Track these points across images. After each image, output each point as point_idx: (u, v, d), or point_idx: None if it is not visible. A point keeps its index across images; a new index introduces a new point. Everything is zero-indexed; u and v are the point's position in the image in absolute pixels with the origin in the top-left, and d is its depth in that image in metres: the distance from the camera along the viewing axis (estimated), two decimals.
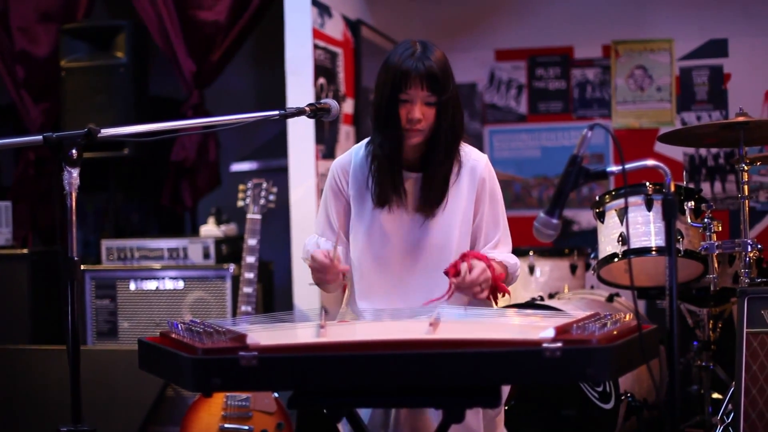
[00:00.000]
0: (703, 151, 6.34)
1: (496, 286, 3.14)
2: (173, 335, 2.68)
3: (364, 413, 3.09)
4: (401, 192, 3.22)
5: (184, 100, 5.85)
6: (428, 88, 3.08)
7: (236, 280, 5.09)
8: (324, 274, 3.13)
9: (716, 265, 4.28)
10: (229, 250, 5.43)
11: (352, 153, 3.34)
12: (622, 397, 4.39)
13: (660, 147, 6.13)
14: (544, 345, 2.30)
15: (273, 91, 5.79)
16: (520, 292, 5.23)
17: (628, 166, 2.56)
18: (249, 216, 4.79)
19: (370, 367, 2.38)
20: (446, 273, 3.10)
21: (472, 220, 3.27)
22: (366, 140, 3.30)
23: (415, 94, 3.09)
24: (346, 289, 3.43)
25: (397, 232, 3.24)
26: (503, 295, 3.22)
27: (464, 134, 3.25)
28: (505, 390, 3.25)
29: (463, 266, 3.07)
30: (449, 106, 3.12)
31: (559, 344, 2.29)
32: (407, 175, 3.23)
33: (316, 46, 5.33)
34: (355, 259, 3.29)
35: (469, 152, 3.29)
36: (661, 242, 4.38)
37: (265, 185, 4.84)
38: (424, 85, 3.08)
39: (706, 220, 4.27)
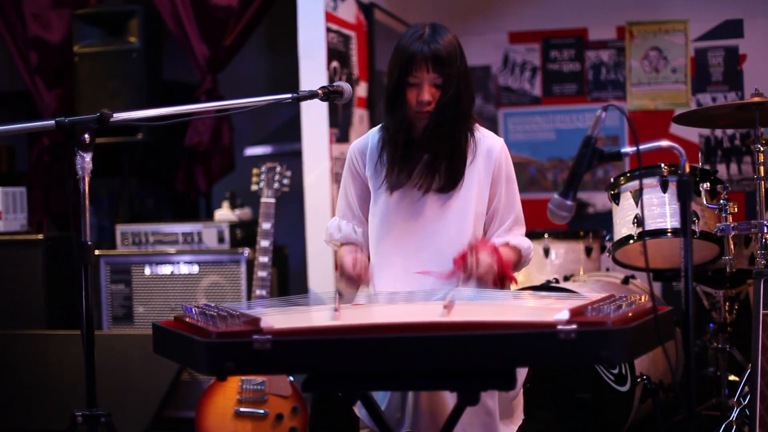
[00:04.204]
0: (718, 133, 6.31)
1: (504, 274, 3.16)
2: (187, 319, 2.68)
3: (381, 396, 3.10)
4: (415, 174, 3.24)
5: (197, 85, 5.85)
6: (435, 70, 3.10)
7: (251, 264, 5.09)
8: (355, 284, 3.20)
9: (732, 246, 4.26)
10: (244, 234, 5.43)
11: (369, 136, 3.36)
12: (638, 380, 4.38)
13: (675, 128, 6.11)
14: (559, 327, 2.29)
15: (286, 75, 5.78)
16: (535, 274, 5.22)
17: (642, 147, 2.55)
18: (263, 200, 4.78)
19: (384, 350, 2.38)
20: (455, 262, 3.15)
21: (487, 202, 3.27)
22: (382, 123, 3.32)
23: (422, 77, 3.10)
24: None
25: (413, 213, 3.26)
26: (510, 283, 3.24)
27: (474, 116, 3.26)
28: (523, 373, 3.25)
29: (471, 260, 3.10)
30: (452, 84, 3.12)
31: (573, 326, 2.28)
32: (421, 156, 3.24)
33: (329, 30, 5.31)
34: (372, 240, 3.31)
35: (485, 135, 3.31)
36: (677, 224, 4.37)
37: (278, 169, 4.83)
38: (430, 67, 3.09)
39: (721, 201, 4.25)
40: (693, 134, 6.28)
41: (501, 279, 3.18)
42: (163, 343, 2.74)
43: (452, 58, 3.11)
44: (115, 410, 3.04)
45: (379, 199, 3.30)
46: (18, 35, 6.05)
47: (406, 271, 3.25)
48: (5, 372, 5.16)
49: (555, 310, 2.40)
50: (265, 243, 4.72)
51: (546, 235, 5.30)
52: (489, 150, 3.27)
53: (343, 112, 5.46)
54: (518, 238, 3.30)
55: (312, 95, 3.22)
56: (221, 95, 5.84)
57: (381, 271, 3.30)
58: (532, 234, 5.26)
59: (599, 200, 6.49)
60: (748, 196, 6.14)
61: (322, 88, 3.25)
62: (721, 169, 6.28)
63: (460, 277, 3.14)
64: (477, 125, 3.29)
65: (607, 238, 4.98)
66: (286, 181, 4.84)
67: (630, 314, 2.44)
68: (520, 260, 3.31)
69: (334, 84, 3.27)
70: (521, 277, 5.03)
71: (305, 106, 5.23)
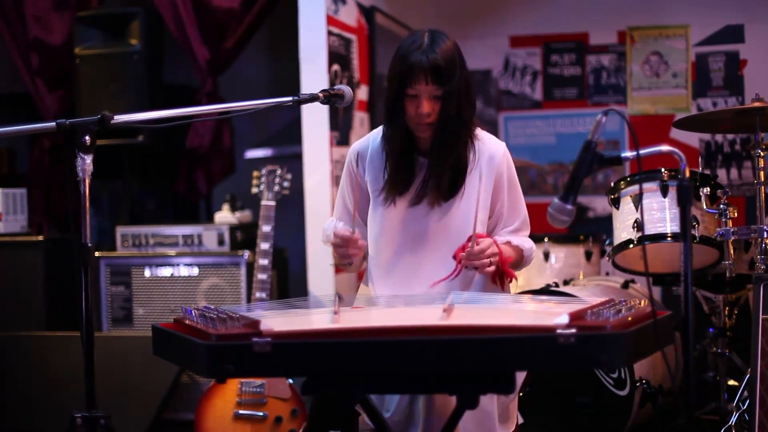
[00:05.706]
0: (719, 138, 6.31)
1: (503, 269, 3.14)
2: (187, 321, 2.68)
3: (388, 399, 3.09)
4: (415, 183, 3.23)
5: (198, 88, 5.85)
6: (434, 82, 3.06)
7: (251, 267, 5.09)
8: (346, 248, 3.14)
9: (732, 251, 4.26)
10: (244, 236, 5.43)
11: (370, 138, 3.35)
12: (637, 384, 4.38)
13: (676, 133, 6.11)
14: (558, 331, 2.29)
15: (287, 78, 5.78)
16: (535, 278, 5.22)
17: (642, 151, 2.55)
18: (263, 202, 4.78)
19: (383, 353, 2.38)
20: (454, 256, 3.13)
21: (489, 208, 3.26)
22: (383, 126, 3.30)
23: (421, 89, 3.07)
24: (362, 276, 3.44)
25: (414, 219, 3.25)
26: (510, 281, 3.23)
27: (475, 121, 3.23)
28: (521, 376, 3.24)
29: (471, 245, 3.07)
30: (453, 96, 3.09)
31: (573, 330, 2.28)
32: (423, 161, 3.23)
33: (330, 33, 5.31)
34: (371, 246, 3.30)
35: (487, 140, 3.29)
36: (677, 228, 4.37)
37: (279, 172, 4.83)
38: (429, 80, 3.06)
39: (721, 206, 4.25)
40: (693, 139, 6.28)
41: (500, 275, 3.17)
42: (163, 345, 2.74)
43: (452, 69, 3.07)
44: (114, 412, 3.04)
45: (378, 207, 3.28)
46: (19, 37, 6.04)
47: (405, 280, 3.25)
48: (5, 373, 5.15)
49: (554, 314, 2.40)
50: (265, 245, 4.72)
51: (546, 239, 5.30)
52: (491, 156, 3.25)
53: (343, 115, 5.46)
54: (521, 238, 3.30)
55: (313, 98, 3.22)
56: (222, 98, 5.84)
57: (380, 281, 3.29)
58: (532, 238, 5.23)
59: (599, 204, 6.50)
60: (748, 200, 6.14)
61: (323, 91, 3.24)
62: (722, 173, 6.28)
63: (463, 266, 3.10)
64: (477, 129, 3.27)
65: (607, 242, 4.98)
66: (286, 184, 4.83)
67: (629, 319, 2.44)
68: (521, 260, 3.31)
69: (335, 87, 3.27)
70: (521, 280, 5.03)
71: (306, 109, 5.23)
